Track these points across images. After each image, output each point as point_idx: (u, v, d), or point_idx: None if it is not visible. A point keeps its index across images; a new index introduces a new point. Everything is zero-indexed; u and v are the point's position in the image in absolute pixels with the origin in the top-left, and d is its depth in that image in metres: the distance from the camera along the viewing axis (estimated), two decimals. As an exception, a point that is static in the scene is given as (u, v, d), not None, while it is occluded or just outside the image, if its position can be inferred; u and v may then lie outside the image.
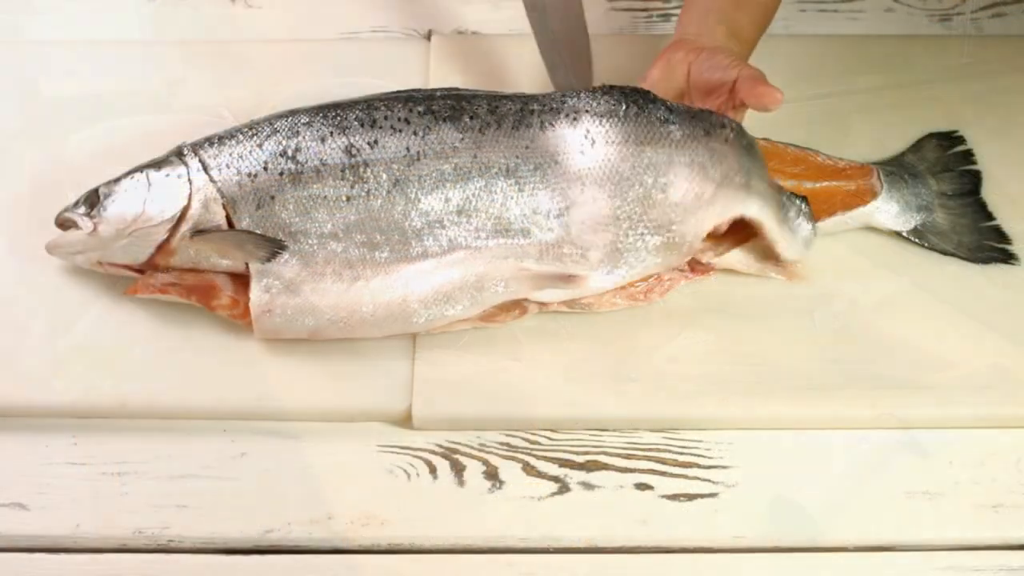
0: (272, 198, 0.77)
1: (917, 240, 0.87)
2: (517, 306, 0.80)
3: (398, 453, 0.77)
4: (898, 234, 0.87)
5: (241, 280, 0.79)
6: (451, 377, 0.79)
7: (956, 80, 0.97)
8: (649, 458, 0.77)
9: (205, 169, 0.78)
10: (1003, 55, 0.99)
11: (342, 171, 0.77)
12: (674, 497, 0.76)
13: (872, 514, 0.75)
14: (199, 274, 0.80)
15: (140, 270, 0.80)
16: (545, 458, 0.77)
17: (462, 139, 0.77)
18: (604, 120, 0.77)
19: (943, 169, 0.90)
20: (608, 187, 0.76)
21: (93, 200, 0.79)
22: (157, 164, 0.79)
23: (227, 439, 0.78)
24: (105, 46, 1.00)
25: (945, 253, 0.86)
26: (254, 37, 1.03)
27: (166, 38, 1.02)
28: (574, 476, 0.76)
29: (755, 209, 0.79)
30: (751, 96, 0.77)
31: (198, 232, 0.77)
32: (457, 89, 0.82)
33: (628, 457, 0.77)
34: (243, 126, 0.80)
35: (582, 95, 0.79)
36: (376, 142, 0.77)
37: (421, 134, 0.78)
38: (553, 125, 0.78)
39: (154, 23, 1.04)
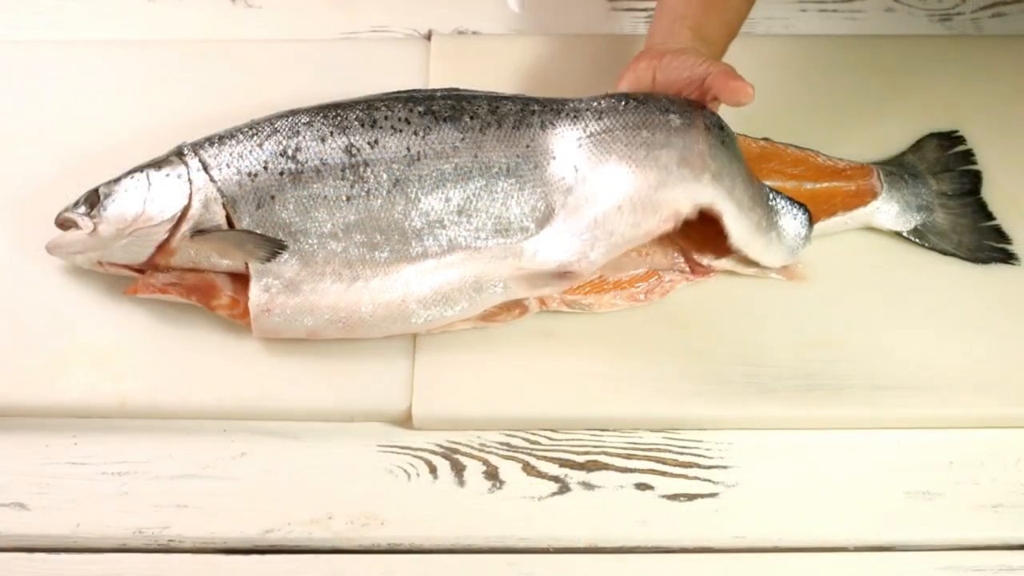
0: (272, 198, 0.77)
1: (917, 240, 0.87)
2: (517, 305, 0.80)
3: (398, 453, 0.77)
4: (898, 234, 0.87)
5: (241, 280, 0.79)
6: (451, 377, 0.79)
7: (956, 80, 0.97)
8: (649, 458, 0.77)
9: (205, 169, 0.78)
10: (1003, 55, 0.99)
11: (342, 171, 0.77)
12: (674, 497, 0.76)
13: (872, 514, 0.75)
14: (199, 274, 0.80)
15: (140, 270, 0.80)
16: (545, 458, 0.77)
17: (462, 139, 0.77)
18: (605, 116, 0.77)
19: (943, 169, 0.90)
20: (608, 182, 0.76)
21: (93, 200, 0.79)
22: (157, 164, 0.79)
23: (227, 439, 0.78)
24: (105, 46, 1.00)
25: (945, 253, 0.86)
26: (254, 37, 1.02)
27: (166, 38, 1.02)
28: (574, 476, 0.76)
29: (708, 197, 0.77)
30: (724, 91, 0.76)
31: (198, 232, 0.77)
32: (457, 89, 0.82)
33: (628, 457, 0.77)
34: (243, 126, 0.80)
35: (584, 98, 0.79)
36: (376, 142, 0.77)
37: (421, 134, 0.78)
38: (554, 125, 0.78)
39: (154, 23, 1.04)
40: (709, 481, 0.76)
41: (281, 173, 0.77)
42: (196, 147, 0.79)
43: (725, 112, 0.81)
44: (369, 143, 0.77)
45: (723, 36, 0.85)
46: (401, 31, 1.04)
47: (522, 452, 0.78)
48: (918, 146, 0.92)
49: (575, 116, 0.78)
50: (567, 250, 0.77)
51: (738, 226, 0.78)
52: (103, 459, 0.77)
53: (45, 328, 0.80)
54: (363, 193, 0.77)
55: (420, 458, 0.77)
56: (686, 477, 0.77)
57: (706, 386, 0.78)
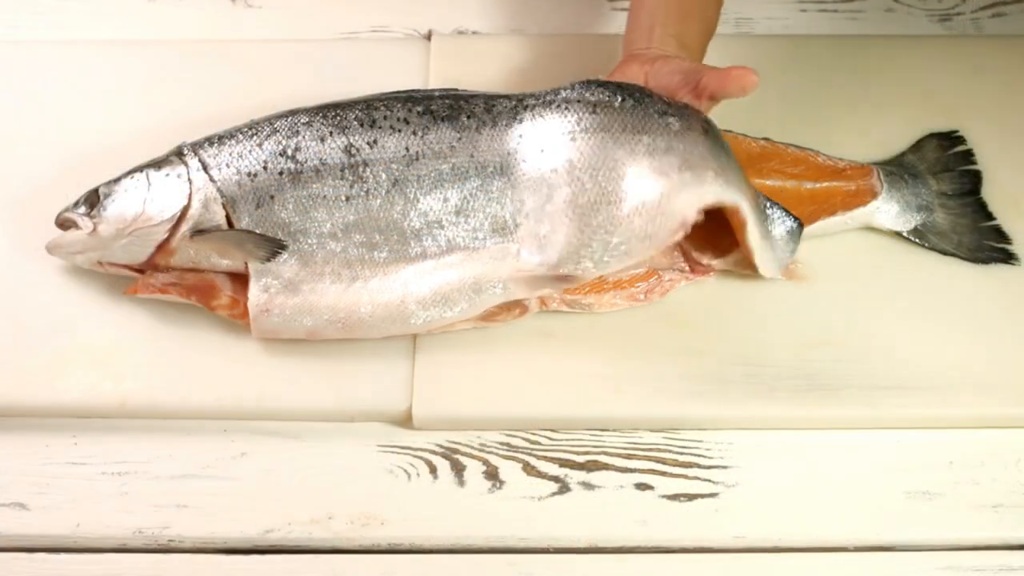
0: (272, 197, 0.77)
1: (917, 240, 0.87)
2: (517, 305, 0.80)
3: (398, 453, 0.77)
4: (898, 234, 0.87)
5: (241, 280, 0.79)
6: (451, 377, 0.79)
7: (956, 80, 0.97)
8: (649, 458, 0.77)
9: (205, 169, 0.78)
10: (1003, 55, 0.99)
11: (341, 171, 0.77)
12: (674, 497, 0.76)
13: (872, 514, 0.75)
14: (199, 274, 0.80)
15: (140, 270, 0.80)
16: (545, 458, 0.77)
17: (459, 138, 0.78)
18: (598, 109, 0.77)
19: (943, 169, 0.90)
20: (602, 175, 0.76)
21: (93, 200, 0.79)
22: (157, 164, 0.79)
23: (227, 439, 0.78)
24: (105, 46, 1.00)
25: (945, 253, 0.86)
26: (254, 37, 1.02)
27: (166, 38, 1.02)
28: (574, 476, 0.76)
29: (731, 198, 0.77)
30: (728, 81, 0.75)
31: (198, 232, 0.77)
32: (456, 89, 0.82)
33: (628, 457, 0.77)
34: (243, 126, 0.80)
35: (575, 87, 0.79)
36: (375, 142, 0.77)
37: (420, 134, 0.78)
38: (544, 117, 0.78)
39: (154, 23, 1.04)
40: (709, 481, 0.76)
41: (280, 173, 0.77)
42: (196, 147, 0.79)
43: (725, 111, 0.81)
44: (368, 143, 0.77)
45: (700, 44, 0.85)
46: (401, 31, 1.04)
47: (522, 452, 0.78)
48: (918, 146, 0.92)
49: (567, 108, 0.78)
50: (563, 252, 0.77)
51: (752, 219, 0.78)
52: (103, 459, 0.77)
53: (45, 328, 0.81)
54: (362, 193, 0.77)
55: (420, 458, 0.77)
56: (686, 477, 0.77)
57: (706, 386, 0.78)
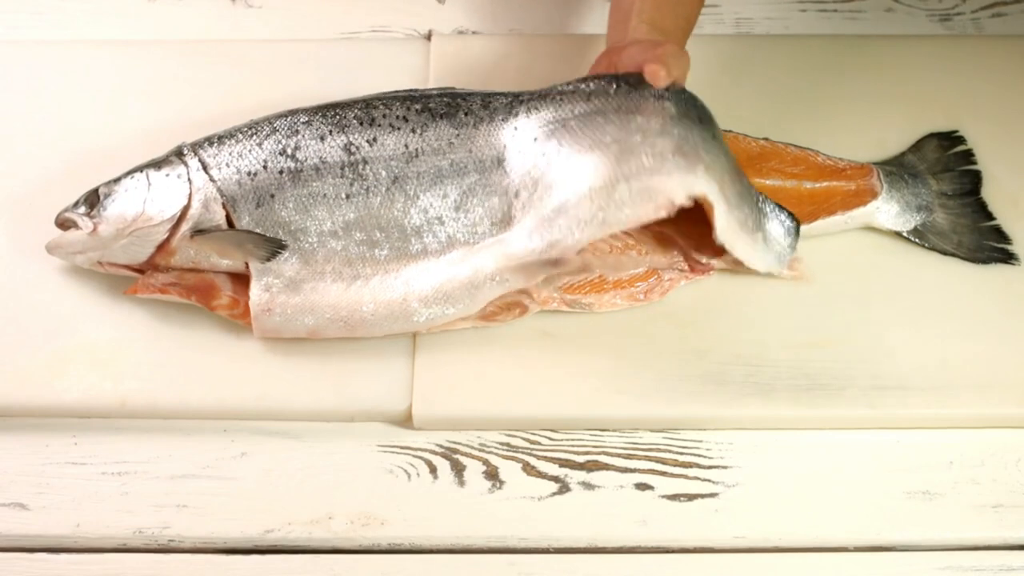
0: (272, 196, 0.77)
1: (917, 240, 0.87)
2: (517, 305, 0.80)
3: (398, 453, 0.77)
4: (898, 234, 0.87)
5: (241, 280, 0.79)
6: (451, 377, 0.79)
7: (956, 80, 0.97)
8: (649, 458, 0.77)
9: (205, 168, 0.78)
10: (1003, 55, 0.99)
11: (341, 169, 0.77)
12: (674, 497, 0.76)
13: (872, 514, 0.75)
14: (199, 274, 0.80)
15: (140, 270, 0.80)
16: (545, 458, 0.77)
17: (458, 135, 0.78)
18: (592, 97, 0.77)
19: (943, 169, 0.90)
20: (596, 160, 0.75)
21: (93, 200, 0.79)
22: (157, 164, 0.80)
23: (227, 439, 0.78)
24: (105, 46, 0.99)
25: (945, 253, 0.86)
26: (254, 37, 1.02)
27: (166, 38, 1.02)
28: (574, 476, 0.76)
29: (702, 187, 0.75)
30: (645, 71, 0.75)
31: (198, 232, 0.78)
32: (453, 89, 0.82)
33: (628, 457, 0.77)
34: (243, 125, 0.80)
35: (572, 82, 0.79)
36: (375, 140, 0.78)
37: (419, 131, 0.78)
38: (539, 109, 0.78)
39: (155, 23, 1.04)
40: (709, 481, 0.76)
41: (280, 172, 0.77)
42: (195, 147, 0.80)
43: (725, 111, 0.81)
44: (368, 141, 0.78)
45: (679, 28, 0.84)
46: (401, 31, 1.04)
47: (522, 452, 0.78)
48: (918, 146, 0.92)
49: (561, 100, 0.78)
50: (552, 233, 0.75)
51: (724, 221, 0.77)
52: (103, 459, 0.77)
53: (45, 328, 0.81)
54: (362, 191, 0.77)
55: (420, 458, 0.77)
56: (686, 477, 0.77)
57: (706, 386, 0.78)
